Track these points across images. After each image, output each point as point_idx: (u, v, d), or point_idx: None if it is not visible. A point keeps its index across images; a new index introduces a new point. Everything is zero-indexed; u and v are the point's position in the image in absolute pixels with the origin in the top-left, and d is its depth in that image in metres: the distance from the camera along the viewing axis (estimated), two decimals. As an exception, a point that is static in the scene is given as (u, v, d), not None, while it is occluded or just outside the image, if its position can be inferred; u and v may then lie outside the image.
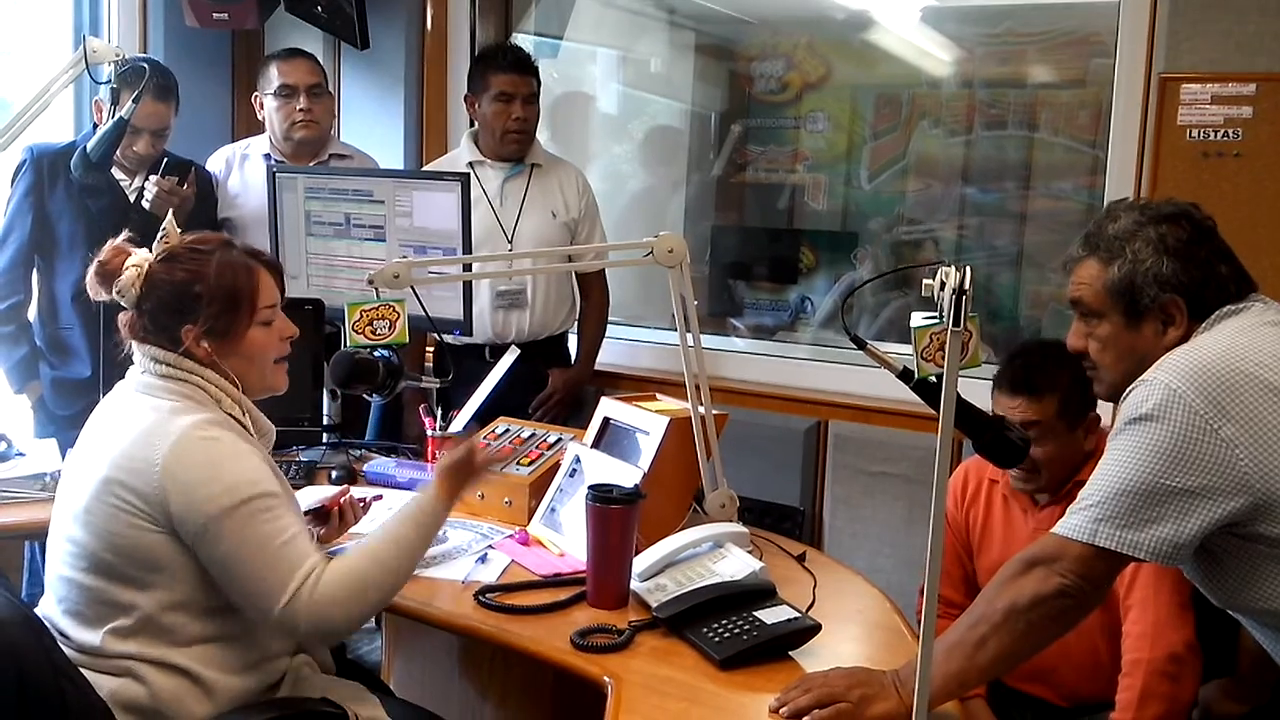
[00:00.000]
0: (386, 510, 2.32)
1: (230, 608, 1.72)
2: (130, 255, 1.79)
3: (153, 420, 1.71)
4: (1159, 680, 1.94)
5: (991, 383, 2.24)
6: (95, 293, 1.80)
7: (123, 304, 1.79)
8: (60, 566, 1.75)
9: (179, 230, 1.83)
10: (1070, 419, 2.13)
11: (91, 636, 1.70)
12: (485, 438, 2.47)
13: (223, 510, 1.65)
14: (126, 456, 1.69)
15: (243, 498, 1.66)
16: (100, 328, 2.40)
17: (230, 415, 1.79)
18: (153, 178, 2.95)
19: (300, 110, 3.26)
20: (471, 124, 3.37)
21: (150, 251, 1.80)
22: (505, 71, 3.20)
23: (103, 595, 1.70)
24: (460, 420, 2.64)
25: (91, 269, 1.79)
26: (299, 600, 1.65)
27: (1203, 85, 2.75)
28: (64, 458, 2.48)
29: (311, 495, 2.22)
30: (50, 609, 1.77)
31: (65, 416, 3.04)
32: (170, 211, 1.90)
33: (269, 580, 1.66)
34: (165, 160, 3.03)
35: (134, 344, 1.82)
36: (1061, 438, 2.14)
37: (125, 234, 1.83)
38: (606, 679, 1.66)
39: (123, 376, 1.85)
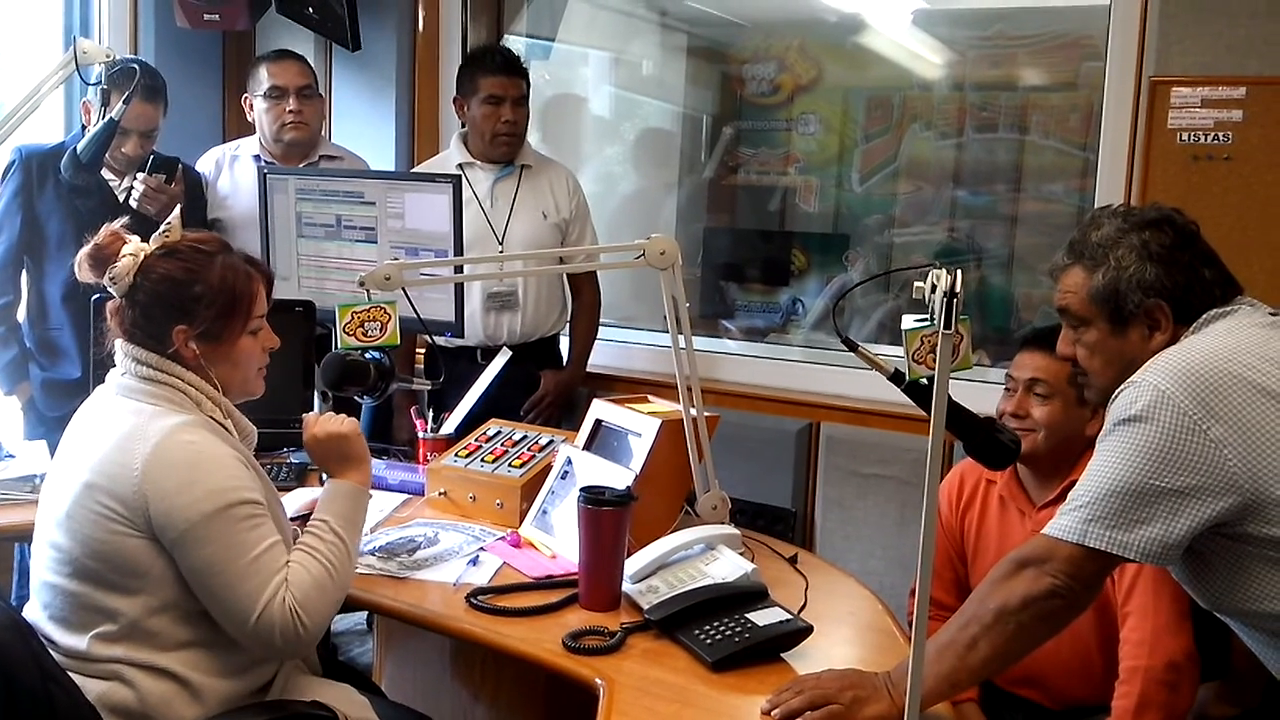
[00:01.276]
0: (379, 512, 2.33)
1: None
2: (127, 243, 1.75)
3: (132, 424, 1.70)
4: (1157, 689, 1.94)
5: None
6: (85, 277, 1.76)
7: (113, 291, 1.76)
8: (44, 572, 1.74)
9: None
10: (1081, 391, 2.14)
11: (77, 642, 1.69)
12: (476, 439, 2.47)
13: (203, 516, 1.64)
14: (106, 461, 1.68)
15: (223, 504, 1.65)
16: (90, 329, 2.39)
17: (211, 418, 1.77)
18: (140, 175, 2.94)
19: (290, 112, 3.25)
20: (463, 125, 3.37)
21: (145, 243, 1.77)
22: (494, 74, 3.20)
23: (87, 601, 1.69)
24: (452, 422, 2.64)
25: (85, 251, 1.75)
26: (271, 612, 1.64)
27: (1193, 89, 2.76)
28: (44, 440, 2.48)
29: (301, 497, 2.22)
30: (36, 615, 1.76)
31: (55, 418, 3.02)
32: (178, 208, 1.87)
33: (242, 591, 1.65)
34: (151, 157, 3.00)
35: (118, 342, 1.79)
36: (1068, 405, 2.13)
37: (122, 221, 1.80)
38: (598, 681, 1.65)
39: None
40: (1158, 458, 1.52)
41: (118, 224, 1.79)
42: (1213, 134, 2.75)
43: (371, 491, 2.24)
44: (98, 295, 1.99)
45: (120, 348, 1.79)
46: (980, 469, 2.28)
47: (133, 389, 1.76)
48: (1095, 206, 2.49)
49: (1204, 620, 1.89)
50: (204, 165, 3.39)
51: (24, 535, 2.27)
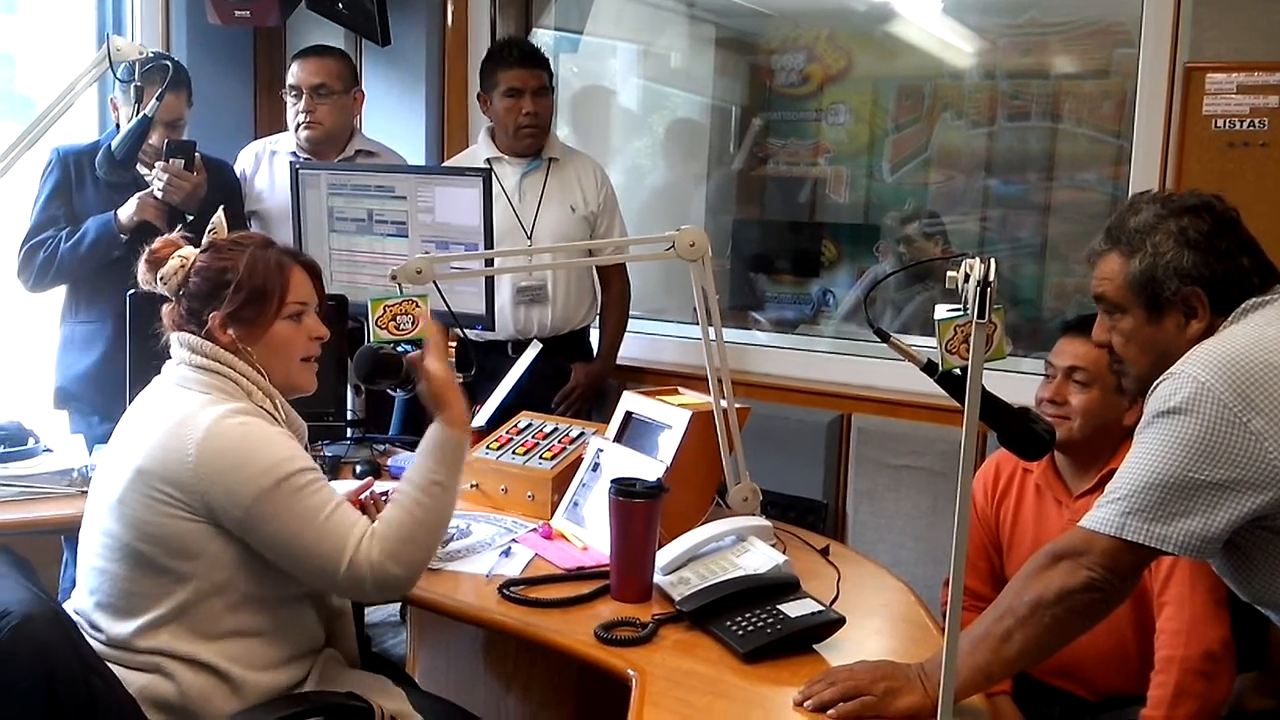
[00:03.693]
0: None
1: (262, 601, 1.75)
2: (180, 248, 1.86)
3: (185, 412, 1.74)
4: (1193, 679, 1.92)
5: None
6: (144, 281, 1.87)
7: (165, 292, 1.85)
8: (93, 558, 1.78)
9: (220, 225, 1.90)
10: (1120, 379, 2.12)
11: (123, 629, 1.72)
12: (508, 432, 2.48)
13: (263, 491, 1.67)
14: (160, 448, 1.71)
15: (280, 476, 1.69)
16: (127, 320, 2.43)
17: (261, 408, 1.81)
18: (158, 165, 2.91)
19: (302, 111, 3.27)
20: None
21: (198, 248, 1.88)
22: (513, 67, 3.21)
23: (135, 587, 1.72)
24: (483, 415, 2.65)
25: (143, 258, 1.86)
26: (358, 563, 1.68)
27: (1228, 75, 2.72)
28: (82, 434, 2.51)
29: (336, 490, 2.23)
30: (82, 601, 1.79)
31: (75, 374, 3.04)
32: (221, 209, 1.95)
33: (324, 549, 1.69)
34: (166, 144, 2.93)
35: (172, 335, 1.86)
36: (1106, 393, 2.12)
37: (180, 229, 1.92)
38: (630, 672, 1.66)
39: (147, 363, 1.89)
40: (1197, 450, 1.50)
41: (175, 233, 1.90)
42: (1248, 120, 2.71)
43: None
44: (132, 290, 2.06)
45: (174, 339, 1.85)
46: (1016, 458, 2.26)
47: (186, 378, 1.81)
48: (1130, 194, 2.47)
49: (1242, 610, 1.87)
50: (243, 160, 3.42)
51: (63, 528, 2.30)
